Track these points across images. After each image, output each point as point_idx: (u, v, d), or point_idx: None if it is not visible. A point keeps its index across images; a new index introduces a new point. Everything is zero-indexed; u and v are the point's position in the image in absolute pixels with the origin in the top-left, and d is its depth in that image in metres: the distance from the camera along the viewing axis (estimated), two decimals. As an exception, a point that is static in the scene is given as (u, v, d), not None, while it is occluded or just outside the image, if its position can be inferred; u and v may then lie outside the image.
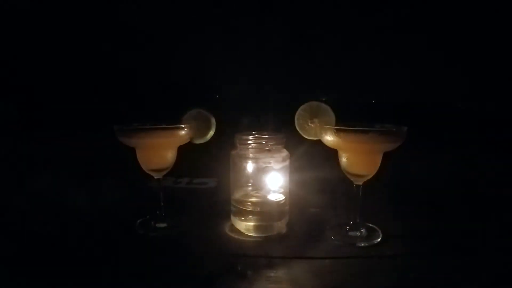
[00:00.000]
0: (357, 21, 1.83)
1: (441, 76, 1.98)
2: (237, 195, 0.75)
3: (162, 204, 0.77)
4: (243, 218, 0.73)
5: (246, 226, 0.73)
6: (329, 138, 0.68)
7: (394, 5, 1.77)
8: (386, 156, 0.70)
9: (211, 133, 0.76)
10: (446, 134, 1.69)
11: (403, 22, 1.86)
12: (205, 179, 1.14)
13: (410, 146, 0.75)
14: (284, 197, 0.74)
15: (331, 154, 0.73)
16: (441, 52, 1.93)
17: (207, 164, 1.21)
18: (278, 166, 0.72)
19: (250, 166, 0.73)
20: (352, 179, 0.71)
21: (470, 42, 1.86)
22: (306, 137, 0.74)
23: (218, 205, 0.84)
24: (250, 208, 0.73)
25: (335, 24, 1.79)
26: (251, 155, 0.72)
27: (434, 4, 1.77)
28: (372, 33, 1.87)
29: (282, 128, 0.76)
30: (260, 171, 0.73)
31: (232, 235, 0.73)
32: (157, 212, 0.77)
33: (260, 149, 0.72)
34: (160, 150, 0.74)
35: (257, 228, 0.72)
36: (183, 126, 0.73)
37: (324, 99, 0.75)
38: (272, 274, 0.59)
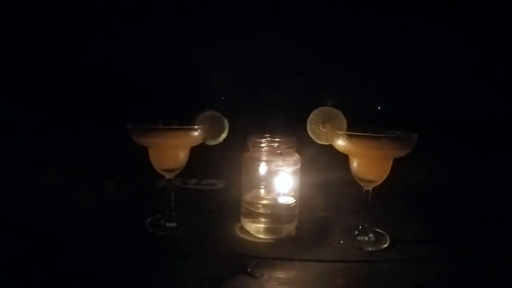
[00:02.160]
0: (365, 28, 1.84)
1: (447, 85, 1.99)
2: (248, 197, 0.76)
3: (172, 203, 0.78)
4: (253, 220, 0.74)
5: (256, 228, 0.74)
6: (340, 143, 0.69)
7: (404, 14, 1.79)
8: (396, 161, 0.71)
9: (224, 135, 0.77)
10: (454, 141, 1.70)
11: (411, 29, 1.87)
12: (213, 180, 1.15)
13: (419, 152, 0.76)
14: (295, 200, 0.75)
15: (342, 159, 0.74)
16: (447, 62, 1.94)
17: (216, 165, 1.21)
18: (289, 169, 0.73)
19: (261, 169, 0.74)
20: (362, 185, 0.72)
21: (474, 52, 1.87)
22: (317, 141, 0.75)
23: (228, 206, 0.85)
24: (261, 210, 0.74)
25: (343, 29, 1.80)
26: (263, 158, 0.73)
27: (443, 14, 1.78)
28: (379, 41, 1.88)
29: (293, 132, 0.77)
30: (272, 174, 0.73)
31: (242, 236, 0.74)
32: (167, 211, 0.78)
33: (272, 152, 0.73)
34: (172, 150, 0.75)
35: (267, 230, 0.73)
36: (196, 127, 0.74)
37: (330, 104, 0.76)
38: (281, 276, 0.59)
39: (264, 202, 0.75)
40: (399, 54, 1.95)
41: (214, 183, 1.13)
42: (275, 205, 0.75)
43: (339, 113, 0.74)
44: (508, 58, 1.86)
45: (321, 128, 0.74)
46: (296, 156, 0.74)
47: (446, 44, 1.91)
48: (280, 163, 0.72)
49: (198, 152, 0.80)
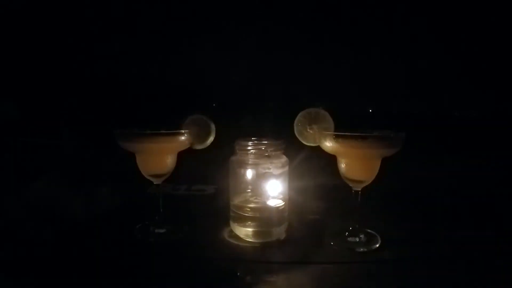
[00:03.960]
0: (356, 31, 1.85)
1: (438, 86, 2.00)
2: (236, 201, 0.75)
3: (161, 209, 0.78)
4: (242, 224, 0.73)
5: (245, 232, 0.73)
6: (328, 144, 0.69)
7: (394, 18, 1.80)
8: (385, 162, 0.70)
9: (211, 139, 0.76)
10: (444, 141, 1.71)
11: (402, 33, 1.88)
12: (203, 186, 1.14)
13: (409, 152, 0.75)
14: (283, 203, 0.74)
15: (330, 160, 0.74)
16: (438, 63, 1.95)
17: (206, 171, 1.21)
18: (277, 171, 0.72)
19: (249, 172, 0.73)
20: (351, 185, 0.72)
21: (466, 54, 1.89)
22: (305, 143, 0.75)
23: (217, 211, 0.84)
24: (250, 214, 0.73)
25: (333, 33, 1.81)
26: (250, 161, 0.73)
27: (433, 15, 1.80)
28: (370, 44, 1.90)
29: (281, 135, 0.77)
30: (260, 177, 0.73)
31: (231, 240, 0.73)
32: (156, 217, 0.77)
33: (260, 155, 0.72)
34: (160, 155, 0.74)
35: (256, 234, 0.72)
36: (183, 131, 0.73)
37: (320, 107, 0.76)
38: (271, 279, 0.59)
39: (253, 205, 0.74)
40: (391, 56, 1.97)
41: (204, 188, 1.12)
42: (263, 208, 0.74)
43: (326, 114, 0.74)
44: (501, 57, 1.88)
45: (308, 130, 0.73)
46: (284, 158, 0.74)
47: (439, 44, 1.93)
48: (268, 165, 0.72)
49: (188, 158, 0.80)
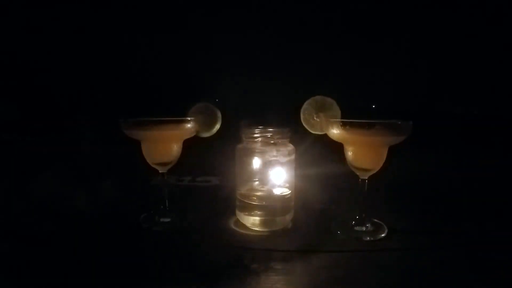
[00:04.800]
0: (359, 29, 1.85)
1: (441, 85, 2.00)
2: (243, 189, 0.75)
3: (166, 199, 0.77)
4: (248, 212, 0.73)
5: (251, 220, 0.72)
6: (335, 132, 0.68)
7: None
8: (392, 151, 0.70)
9: (217, 126, 0.76)
10: (450, 135, 1.71)
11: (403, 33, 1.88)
12: (208, 177, 1.14)
13: (416, 144, 0.75)
14: (290, 191, 0.73)
15: (337, 148, 0.73)
16: (443, 64, 1.95)
17: (210, 162, 1.20)
18: (283, 159, 0.72)
19: (256, 160, 0.73)
20: (357, 173, 0.71)
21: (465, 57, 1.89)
22: (311, 131, 0.74)
23: (222, 201, 0.84)
24: (256, 203, 0.72)
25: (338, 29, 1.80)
26: (257, 149, 0.72)
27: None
28: (372, 42, 1.89)
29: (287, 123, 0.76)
30: (266, 165, 0.72)
31: (237, 229, 0.73)
32: (161, 207, 0.77)
33: (266, 143, 0.72)
34: (165, 143, 0.74)
35: (262, 222, 0.72)
36: (188, 119, 0.73)
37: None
38: (278, 267, 0.58)
39: (259, 194, 0.74)
40: (395, 52, 1.96)
41: (209, 179, 1.12)
42: (270, 197, 0.73)
43: (332, 102, 0.73)
44: (501, 56, 1.88)
45: (315, 118, 0.73)
46: (290, 146, 0.73)
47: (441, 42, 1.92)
48: (274, 153, 0.71)
49: (192, 149, 0.80)
